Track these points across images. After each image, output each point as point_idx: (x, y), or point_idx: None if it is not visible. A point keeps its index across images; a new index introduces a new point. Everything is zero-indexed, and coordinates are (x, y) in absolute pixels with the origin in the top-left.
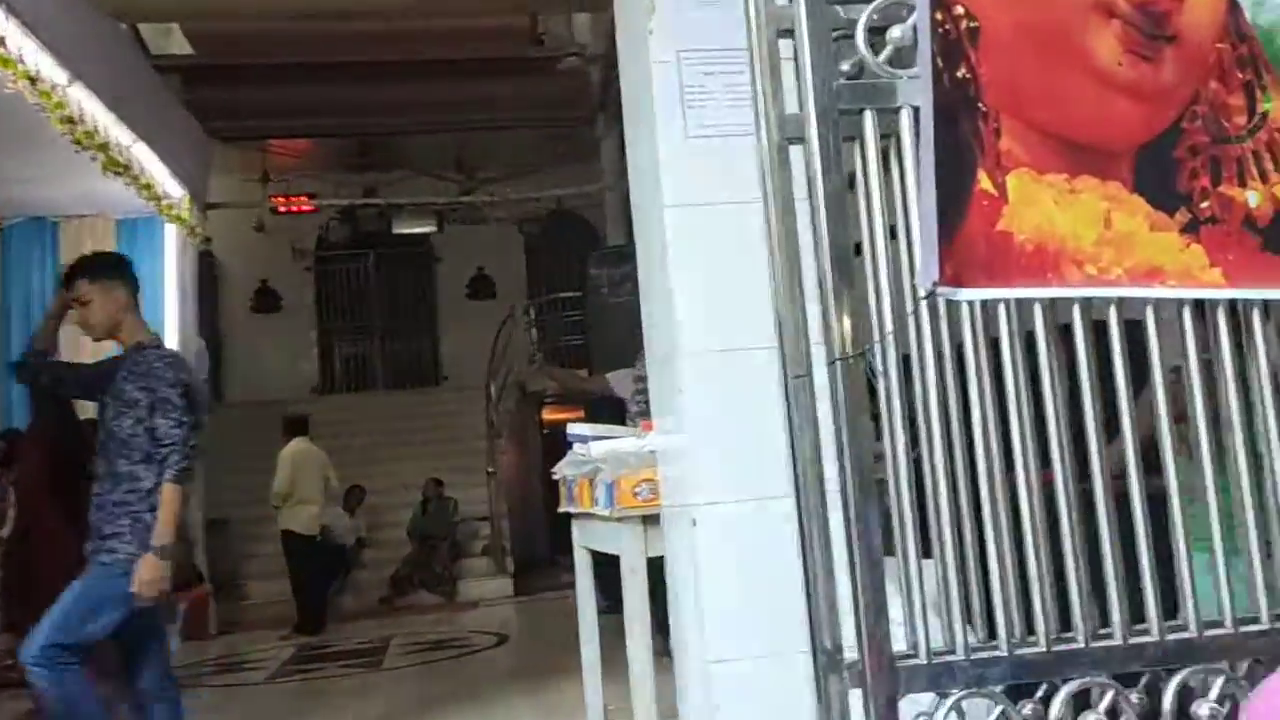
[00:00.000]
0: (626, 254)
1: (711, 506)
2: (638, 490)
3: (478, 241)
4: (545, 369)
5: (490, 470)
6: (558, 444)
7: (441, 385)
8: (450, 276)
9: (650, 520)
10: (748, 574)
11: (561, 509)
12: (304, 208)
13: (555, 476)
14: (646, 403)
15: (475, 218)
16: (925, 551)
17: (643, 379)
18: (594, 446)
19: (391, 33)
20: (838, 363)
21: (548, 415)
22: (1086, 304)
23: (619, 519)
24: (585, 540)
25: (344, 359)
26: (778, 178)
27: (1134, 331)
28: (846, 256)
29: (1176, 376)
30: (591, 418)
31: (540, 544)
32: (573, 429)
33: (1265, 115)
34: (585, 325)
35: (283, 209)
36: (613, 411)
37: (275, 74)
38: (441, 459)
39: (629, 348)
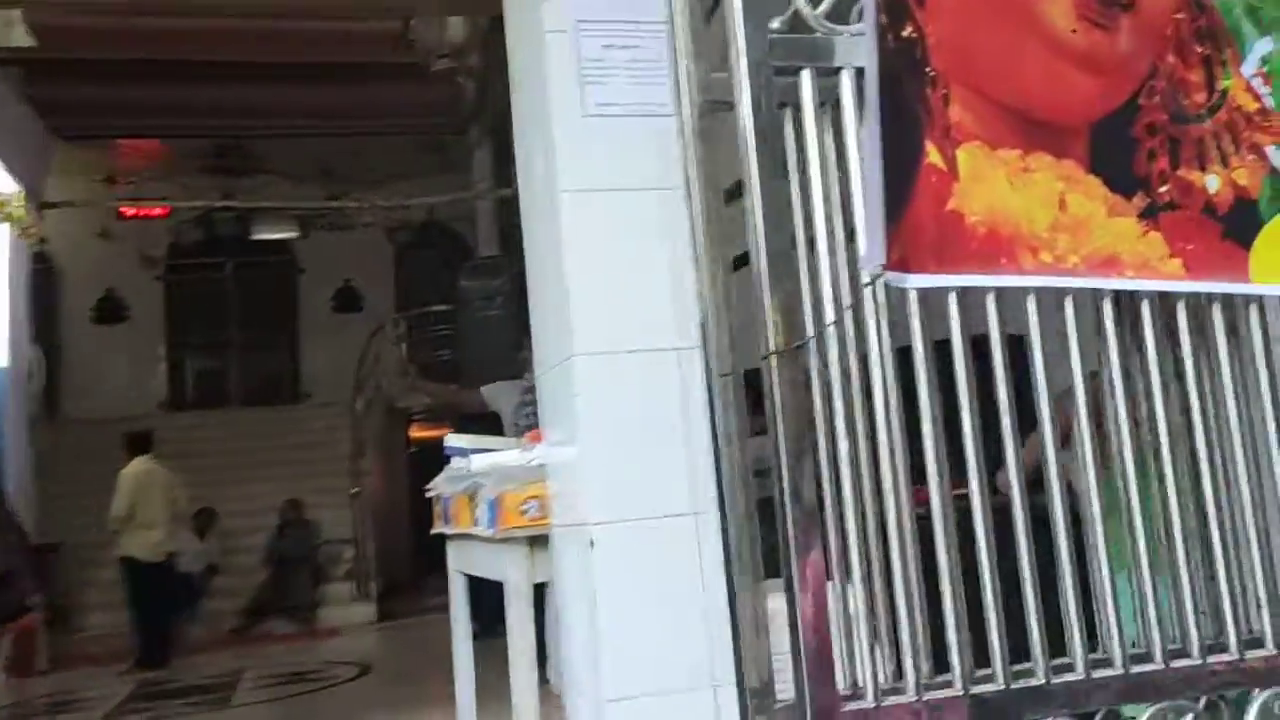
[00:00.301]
0: (499, 266)
1: (611, 526)
2: (525, 507)
3: (344, 252)
4: (418, 383)
5: (354, 491)
6: (425, 462)
7: (303, 402)
8: (314, 288)
9: (537, 542)
10: (653, 600)
11: (436, 530)
12: (154, 212)
13: (429, 494)
14: (534, 415)
15: (342, 224)
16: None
17: (530, 390)
18: (475, 460)
19: (251, 32)
20: (773, 357)
21: (415, 432)
22: (1037, 295)
23: (502, 540)
24: (462, 564)
25: (196, 373)
26: (699, 150)
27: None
28: (784, 238)
29: (1096, 382)
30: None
31: (405, 566)
32: (451, 441)
33: (1225, 93)
34: (456, 339)
35: (131, 214)
36: (487, 428)
37: (124, 70)
38: (302, 479)
39: (502, 362)
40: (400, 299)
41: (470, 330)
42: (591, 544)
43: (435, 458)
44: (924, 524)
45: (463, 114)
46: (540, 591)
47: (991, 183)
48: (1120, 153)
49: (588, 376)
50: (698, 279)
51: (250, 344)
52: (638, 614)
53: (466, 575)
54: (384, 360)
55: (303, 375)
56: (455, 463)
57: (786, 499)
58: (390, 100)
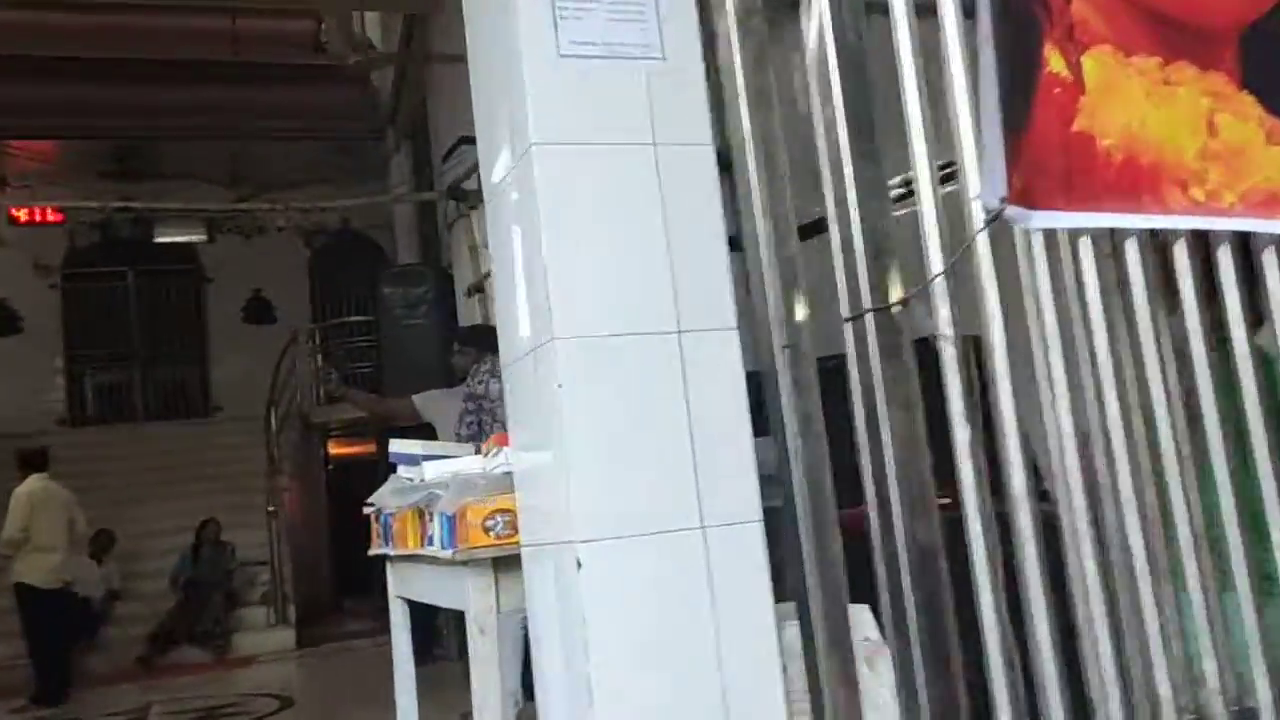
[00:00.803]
0: (422, 274)
1: (602, 544)
2: (490, 524)
3: (254, 261)
4: (341, 389)
5: (271, 509)
6: (344, 480)
7: (214, 417)
8: (223, 298)
9: (504, 564)
10: (654, 634)
11: (375, 551)
12: (49, 217)
13: (369, 509)
14: (477, 425)
15: (251, 229)
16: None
17: (474, 398)
18: (428, 468)
19: (152, 29)
20: (866, 316)
21: (334, 449)
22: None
23: (463, 562)
24: (408, 589)
25: (97, 387)
26: (751, 75)
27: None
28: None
29: None
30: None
31: (325, 589)
32: (397, 447)
33: None
34: (378, 350)
35: (24, 219)
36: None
37: (13, 66)
38: (213, 497)
39: (428, 373)
40: (316, 310)
41: (393, 340)
42: (579, 565)
43: (355, 475)
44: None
45: (379, 118)
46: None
47: (1126, 97)
48: (1277, 65)
49: (572, 364)
50: (748, 244)
51: (155, 357)
52: (633, 650)
53: (410, 602)
54: (298, 374)
55: (213, 388)
56: (402, 472)
57: (895, 514)
58: (302, 103)
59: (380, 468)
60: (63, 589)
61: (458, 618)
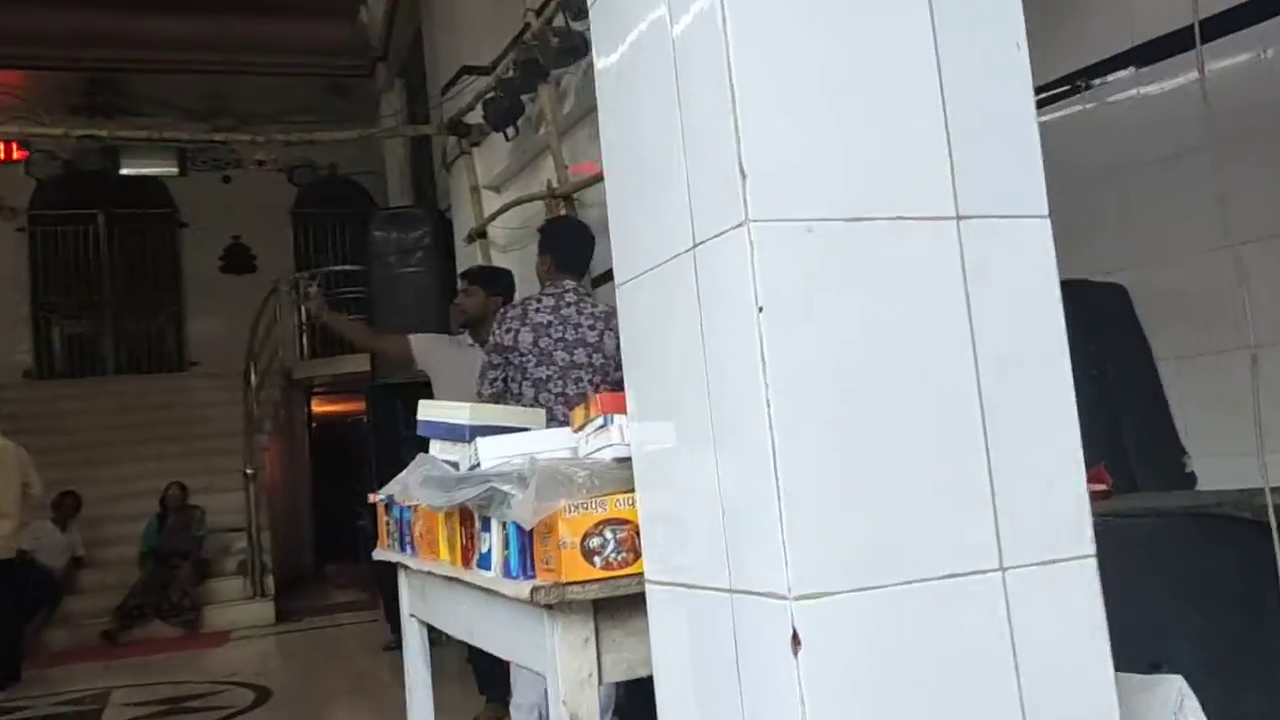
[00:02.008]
0: (418, 217)
1: (835, 602)
2: (595, 543)
3: (233, 206)
4: (324, 311)
5: (249, 471)
6: (329, 439)
7: (189, 371)
8: (200, 246)
9: (610, 608)
10: None
11: (383, 556)
12: (15, 155)
13: (377, 499)
14: (504, 382)
15: (228, 160)
16: None
17: (503, 349)
18: (486, 447)
19: None
20: None
21: (318, 407)
22: None
23: (551, 605)
24: (436, 617)
25: (65, 339)
26: None
27: None
28: None
29: None
30: (376, 404)
31: (304, 555)
32: (431, 412)
33: None
34: (368, 301)
35: None
36: (404, 399)
37: None
38: (187, 458)
39: (424, 326)
40: (299, 259)
41: (385, 289)
42: (795, 638)
43: (340, 434)
44: None
45: (369, 54)
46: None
47: None
48: None
49: (782, 269)
50: None
51: (128, 307)
52: None
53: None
54: (280, 326)
55: (189, 342)
56: (438, 451)
57: None
58: (286, 35)
59: (368, 427)
60: (17, 558)
61: None
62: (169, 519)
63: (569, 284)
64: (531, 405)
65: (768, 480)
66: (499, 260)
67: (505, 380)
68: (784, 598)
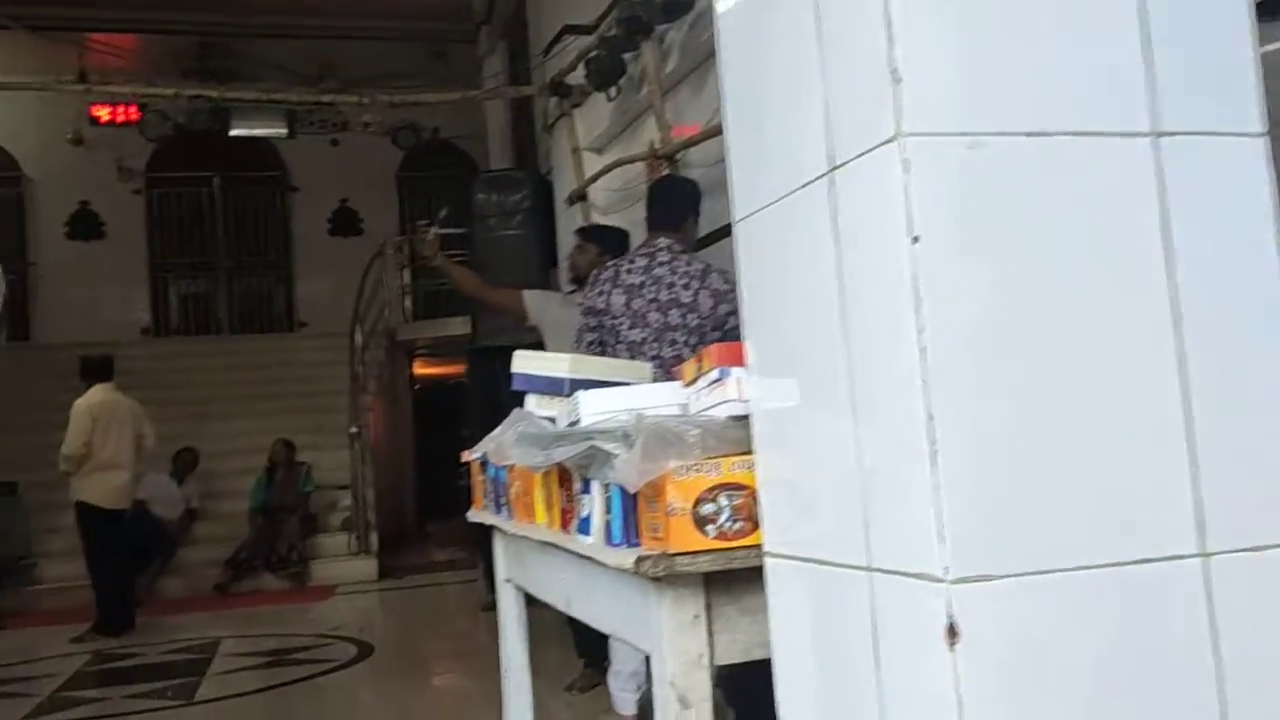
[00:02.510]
0: (519, 180)
1: (1001, 586)
2: (708, 509)
3: (341, 169)
4: (439, 256)
5: (354, 430)
6: (431, 400)
7: (298, 332)
8: (309, 209)
9: (724, 581)
10: None
11: (478, 516)
12: (132, 117)
13: (471, 457)
14: (600, 345)
15: (336, 122)
16: None
17: (596, 312)
18: (586, 401)
19: None
20: None
21: (420, 368)
22: None
23: (658, 577)
24: (533, 583)
25: (181, 297)
26: None
27: None
28: None
29: None
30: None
31: (407, 513)
32: (527, 364)
33: None
34: (470, 263)
35: (105, 120)
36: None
37: None
38: (295, 416)
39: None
40: (404, 222)
41: (486, 251)
42: (950, 631)
43: (442, 396)
44: None
45: (472, 18)
46: None
47: None
48: None
49: (939, 192)
50: None
51: (240, 268)
52: None
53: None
54: (385, 288)
55: (298, 303)
56: (534, 406)
57: None
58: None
59: (467, 389)
60: (131, 510)
61: None
62: (277, 475)
63: (662, 241)
64: None
65: (919, 443)
66: (599, 222)
67: (600, 343)
68: (939, 580)
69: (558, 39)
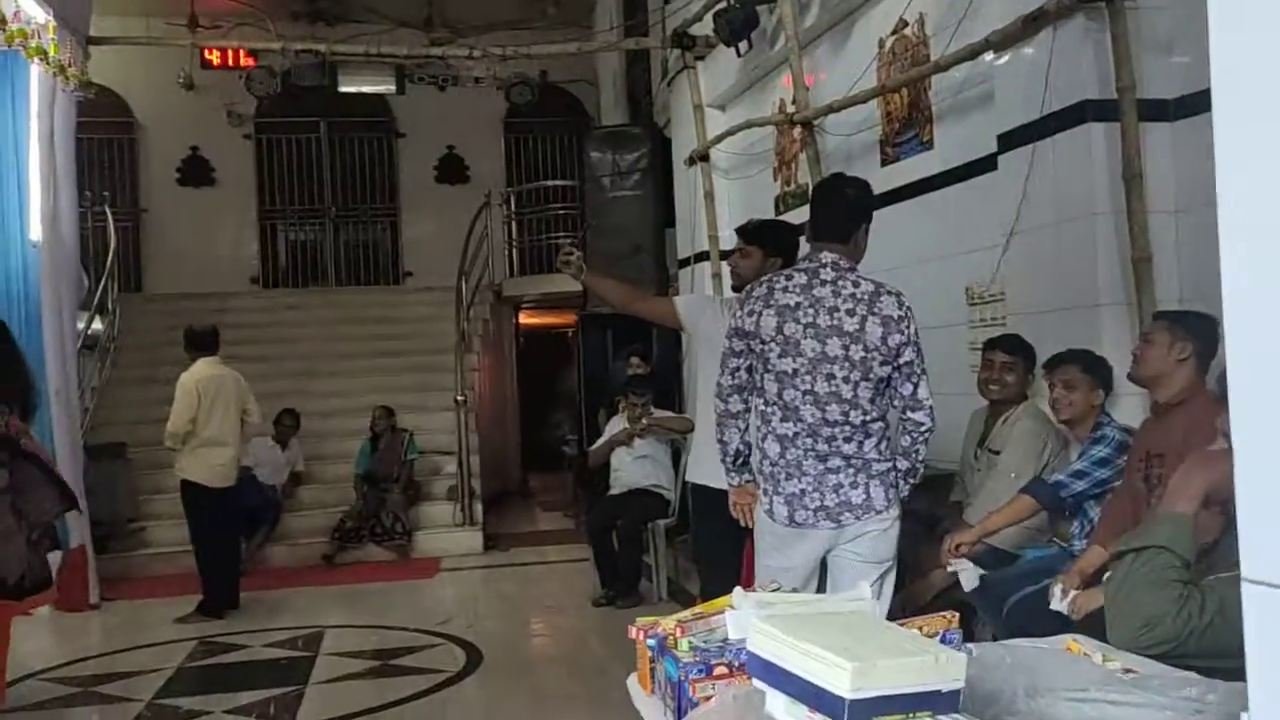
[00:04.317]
0: (636, 136)
1: None
2: None
3: (448, 115)
4: (584, 273)
5: (460, 398)
6: (535, 350)
7: (404, 284)
8: (415, 156)
9: None
10: None
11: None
12: (243, 60)
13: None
14: (746, 372)
15: (445, 77)
16: None
17: (744, 334)
18: None
19: None
20: None
21: (524, 319)
22: None
23: None
24: None
25: (290, 246)
26: None
27: None
28: None
29: None
30: (587, 334)
31: (510, 468)
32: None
33: None
34: (581, 221)
35: (217, 63)
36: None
37: None
38: (399, 374)
39: (638, 251)
40: (510, 170)
41: (598, 211)
42: None
43: (546, 347)
44: None
45: None
46: None
47: None
48: None
49: None
50: None
51: (347, 215)
52: None
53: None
54: (492, 240)
55: (403, 251)
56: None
57: None
58: None
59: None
60: (235, 487)
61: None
62: (380, 443)
63: (826, 256)
64: (774, 401)
65: None
66: (720, 186)
67: (749, 370)
68: None
69: None
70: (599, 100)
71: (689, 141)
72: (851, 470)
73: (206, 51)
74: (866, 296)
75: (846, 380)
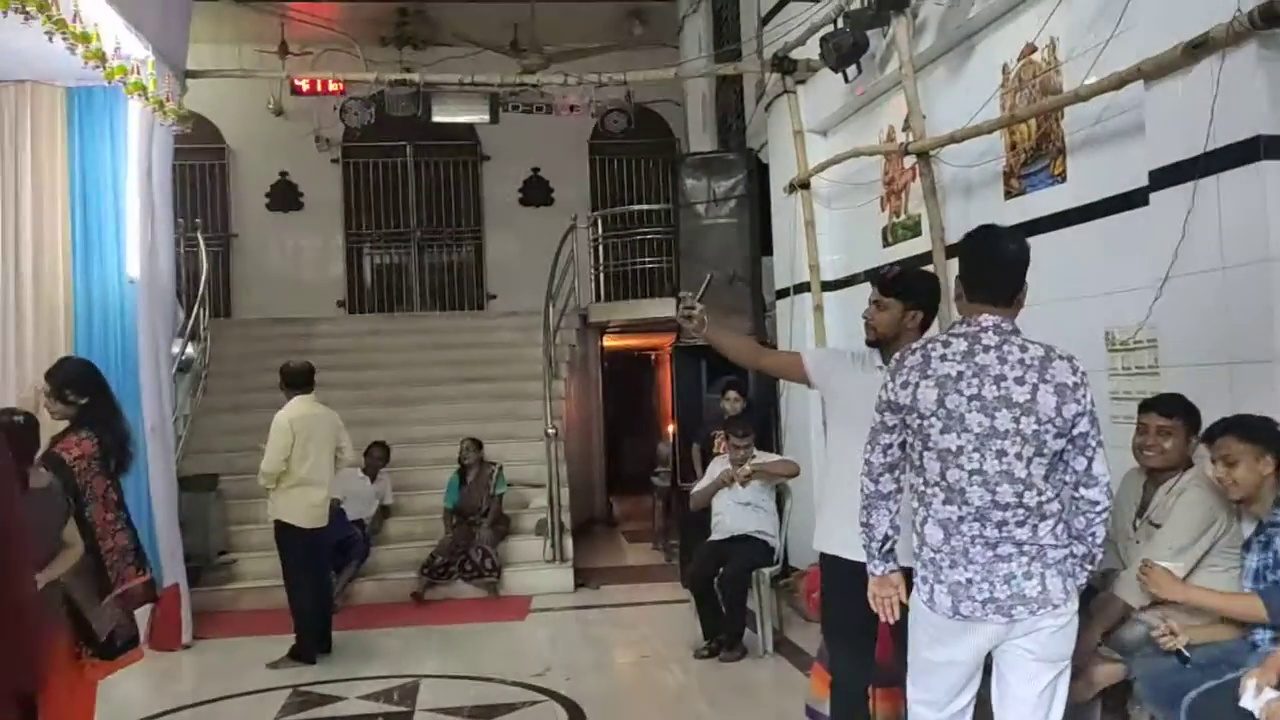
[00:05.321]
0: (731, 163)
1: None
2: None
3: (533, 136)
4: (712, 330)
5: (551, 431)
6: (620, 372)
7: (488, 309)
8: (499, 178)
9: None
10: None
11: None
12: (330, 88)
13: None
14: (899, 450)
15: (540, 105)
16: None
17: (897, 408)
18: None
19: None
20: None
21: (609, 341)
22: None
23: None
24: None
25: (375, 270)
26: None
27: None
28: None
29: None
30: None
31: (596, 493)
32: None
33: None
34: (674, 248)
35: (306, 90)
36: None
37: None
38: (487, 402)
39: (733, 281)
40: (595, 193)
41: (692, 237)
42: None
43: (630, 369)
44: None
45: None
46: None
47: None
48: None
49: None
50: None
51: (431, 238)
52: None
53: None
54: (578, 264)
55: (487, 274)
56: None
57: None
58: None
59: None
60: (328, 527)
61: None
62: (469, 476)
63: (988, 320)
64: (936, 482)
65: None
66: (821, 215)
67: (902, 446)
68: None
69: (778, 8)
70: (685, 121)
71: (788, 168)
72: (1025, 558)
73: (296, 78)
74: (1036, 362)
75: (1019, 457)
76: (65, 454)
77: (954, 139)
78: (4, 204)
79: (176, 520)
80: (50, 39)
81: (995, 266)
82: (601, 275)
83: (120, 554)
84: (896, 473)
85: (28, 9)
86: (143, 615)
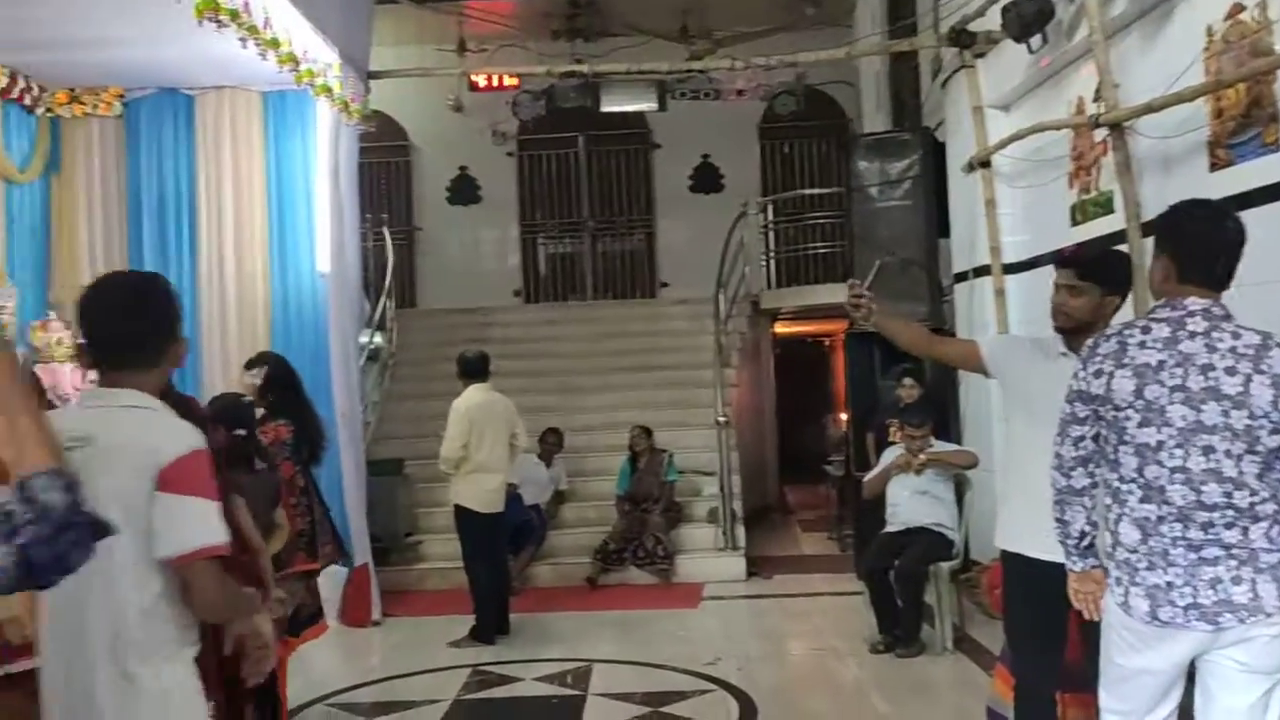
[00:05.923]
0: (905, 144)
1: None
2: None
3: (703, 123)
4: (881, 318)
5: (721, 419)
6: (792, 358)
7: (659, 297)
8: (670, 165)
9: None
10: None
11: None
12: (506, 83)
13: None
14: (1092, 442)
15: (708, 91)
16: None
17: (1089, 398)
18: None
19: None
20: None
21: (780, 327)
22: None
23: None
24: None
25: (549, 259)
26: None
27: None
28: None
29: None
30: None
31: (769, 480)
32: None
33: None
34: (847, 232)
35: (483, 86)
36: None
37: None
38: (658, 389)
39: (908, 266)
40: (765, 179)
41: (865, 221)
42: None
43: (803, 355)
44: None
45: None
46: None
47: None
48: None
49: None
50: None
51: (604, 228)
52: None
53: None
54: (749, 250)
55: (659, 262)
56: None
57: None
58: None
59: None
60: (504, 512)
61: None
62: (640, 463)
63: (1196, 303)
64: (1132, 479)
65: None
66: (1002, 194)
67: (1095, 439)
68: None
69: None
70: (859, 102)
71: (967, 146)
72: (1234, 562)
73: (472, 75)
74: (1251, 350)
75: (1228, 454)
76: (262, 437)
77: (1151, 108)
78: (209, 205)
79: (365, 503)
80: (244, 45)
81: (1215, 245)
82: (773, 261)
83: (294, 538)
84: (1090, 466)
85: (220, 17)
86: (336, 592)
